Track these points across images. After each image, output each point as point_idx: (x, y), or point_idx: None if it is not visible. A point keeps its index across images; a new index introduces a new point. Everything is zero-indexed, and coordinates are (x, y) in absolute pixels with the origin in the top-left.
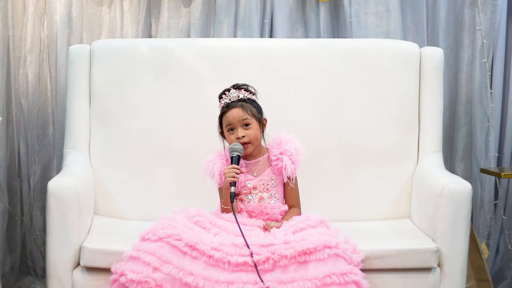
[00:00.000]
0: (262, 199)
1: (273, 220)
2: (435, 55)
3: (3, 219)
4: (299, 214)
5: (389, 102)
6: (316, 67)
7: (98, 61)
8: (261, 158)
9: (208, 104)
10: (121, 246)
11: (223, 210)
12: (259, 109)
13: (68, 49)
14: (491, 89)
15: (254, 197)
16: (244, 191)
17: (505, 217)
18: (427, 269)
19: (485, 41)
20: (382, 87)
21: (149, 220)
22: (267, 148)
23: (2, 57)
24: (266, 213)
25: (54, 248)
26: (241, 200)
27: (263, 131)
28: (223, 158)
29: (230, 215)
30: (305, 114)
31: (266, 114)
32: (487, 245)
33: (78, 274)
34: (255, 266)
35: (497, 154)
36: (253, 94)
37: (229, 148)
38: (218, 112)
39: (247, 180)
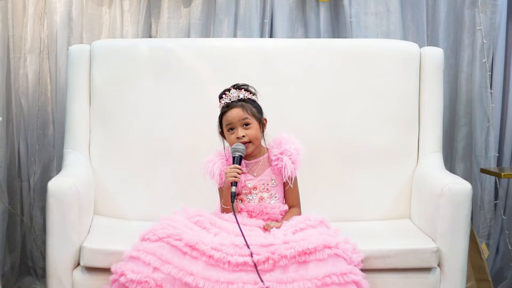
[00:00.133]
0: (262, 199)
1: (273, 220)
2: (435, 55)
3: (3, 219)
4: (299, 214)
5: (389, 102)
6: (316, 67)
7: (98, 61)
8: (261, 158)
9: (208, 104)
10: (121, 246)
11: (223, 210)
12: (259, 109)
13: (68, 49)
14: (491, 89)
15: (254, 197)
16: (244, 191)
17: (505, 217)
18: (427, 269)
19: (485, 41)
20: (382, 87)
21: (149, 220)
22: (267, 148)
23: (2, 57)
24: (266, 213)
25: (54, 248)
26: (241, 200)
27: (263, 131)
28: (223, 158)
29: (230, 215)
30: (305, 114)
31: (266, 114)
32: (487, 245)
33: (78, 274)
34: (255, 266)
35: (497, 154)
36: (253, 94)
37: (232, 148)
38: (218, 112)
39: (247, 180)
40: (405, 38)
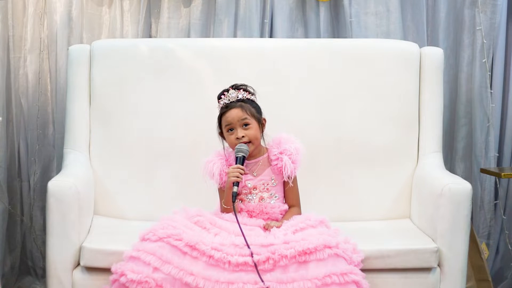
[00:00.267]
0: (262, 199)
1: (273, 220)
2: (435, 55)
3: (3, 219)
4: (299, 213)
5: (389, 102)
6: (316, 67)
7: (98, 61)
8: (260, 158)
9: (208, 104)
10: (121, 246)
11: (224, 210)
12: (258, 109)
13: (68, 49)
14: (491, 89)
15: (254, 197)
16: (244, 191)
17: (505, 217)
18: (427, 269)
19: (485, 41)
20: (382, 87)
21: (149, 220)
22: (266, 148)
23: (2, 57)
24: (266, 213)
25: (54, 248)
26: (241, 200)
27: (262, 131)
28: (223, 158)
29: (231, 215)
30: (305, 114)
31: (266, 114)
32: (487, 245)
33: (78, 274)
34: (255, 266)
35: (497, 154)
36: (252, 94)
37: (235, 148)
38: (218, 112)
39: (247, 180)
40: (405, 38)
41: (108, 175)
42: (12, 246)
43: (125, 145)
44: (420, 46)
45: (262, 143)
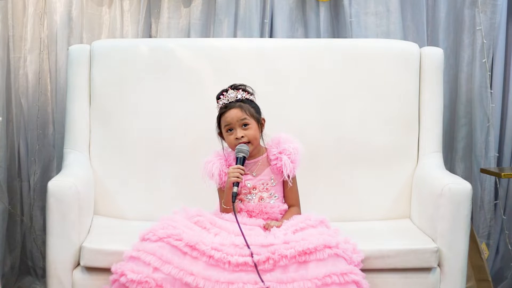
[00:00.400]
0: (262, 199)
1: (273, 219)
2: (435, 55)
3: (3, 219)
4: (299, 213)
5: (389, 102)
6: (316, 67)
7: (98, 61)
8: (260, 158)
9: (208, 104)
10: (121, 246)
11: (223, 210)
12: (257, 109)
13: (68, 49)
14: (491, 89)
15: (254, 197)
16: (243, 191)
17: (505, 217)
18: (427, 269)
19: (485, 41)
20: (382, 87)
21: (149, 220)
22: (266, 148)
23: (2, 57)
24: (266, 213)
25: (54, 248)
26: (241, 200)
27: (261, 131)
28: (222, 159)
29: (231, 214)
30: (305, 114)
31: (266, 114)
32: (487, 245)
33: (78, 274)
34: (255, 266)
35: (497, 154)
36: (251, 94)
37: (236, 149)
38: (217, 113)
39: (246, 180)
40: (405, 38)
41: (108, 175)
42: (12, 246)
43: (125, 145)
44: (420, 46)
45: (261, 143)
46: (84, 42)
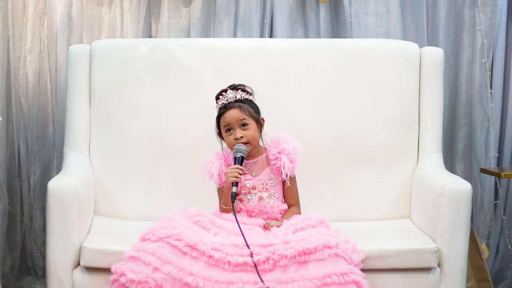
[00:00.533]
0: (262, 199)
1: (272, 219)
2: (435, 55)
3: (3, 219)
4: (299, 213)
5: (389, 102)
6: (316, 67)
7: (98, 61)
8: (259, 157)
9: (208, 104)
10: (121, 246)
11: (223, 210)
12: (256, 109)
13: (68, 49)
14: (491, 89)
15: (254, 197)
16: (243, 191)
17: (505, 217)
18: (427, 269)
19: (485, 41)
20: (382, 87)
21: (149, 220)
22: (265, 148)
23: (2, 57)
24: (266, 212)
25: (54, 248)
26: (241, 200)
27: (261, 131)
28: (221, 159)
29: (230, 214)
30: (305, 114)
31: (266, 114)
32: (487, 245)
33: (78, 274)
34: (255, 266)
35: (497, 154)
36: (250, 94)
37: (234, 149)
38: (216, 113)
39: (246, 180)
40: (405, 38)
41: (108, 175)
42: (12, 246)
43: (125, 145)
44: (420, 46)
45: (260, 143)
46: (84, 42)
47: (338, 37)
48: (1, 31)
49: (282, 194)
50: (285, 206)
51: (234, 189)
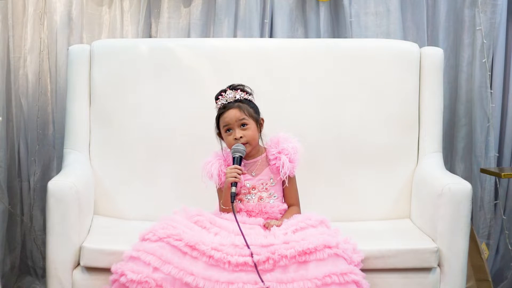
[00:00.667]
0: (261, 199)
1: (272, 219)
2: (435, 55)
3: (3, 219)
4: (299, 212)
5: (389, 102)
6: (316, 67)
7: (98, 61)
8: (259, 157)
9: (208, 104)
10: (121, 246)
11: (223, 211)
12: (256, 109)
13: (68, 49)
14: (491, 89)
15: (253, 197)
16: (243, 191)
17: (505, 217)
18: (427, 269)
19: (485, 41)
20: (382, 87)
21: (149, 220)
22: (265, 148)
23: (2, 57)
24: (266, 212)
25: (54, 248)
26: (241, 200)
27: (260, 131)
28: (221, 159)
29: (230, 214)
30: (305, 114)
31: (266, 114)
32: (487, 245)
33: (78, 274)
34: (255, 266)
35: (497, 154)
36: (250, 94)
37: (232, 149)
38: (215, 113)
39: (246, 180)
40: (405, 38)
41: (108, 175)
42: (12, 246)
43: (125, 145)
44: (420, 46)
45: (260, 143)
46: (84, 42)
47: (338, 37)
48: (1, 31)
49: (282, 194)
50: (285, 206)
51: (233, 189)
